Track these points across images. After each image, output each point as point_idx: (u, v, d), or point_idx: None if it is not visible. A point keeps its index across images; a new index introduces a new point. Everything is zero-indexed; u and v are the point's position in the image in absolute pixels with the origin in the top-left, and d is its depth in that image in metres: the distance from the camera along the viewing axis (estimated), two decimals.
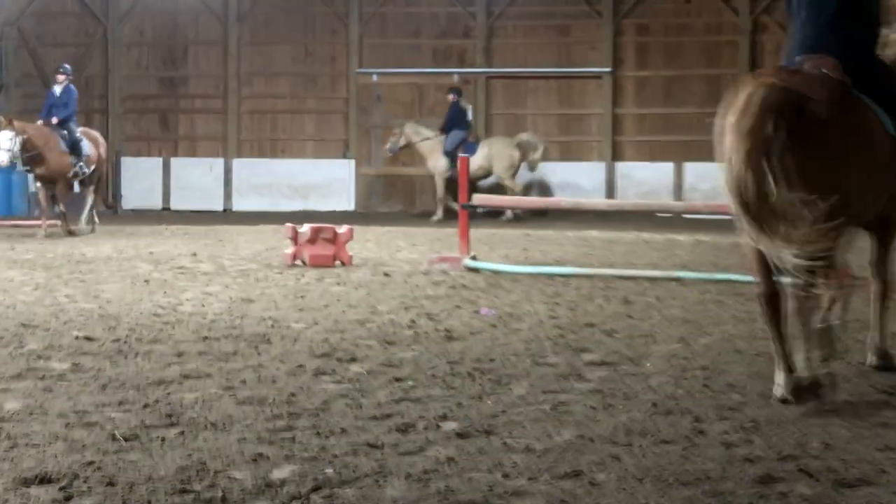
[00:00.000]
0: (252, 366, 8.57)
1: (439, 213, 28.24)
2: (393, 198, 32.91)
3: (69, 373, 8.27)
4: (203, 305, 11.88)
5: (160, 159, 33.58)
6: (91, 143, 23.08)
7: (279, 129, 33.80)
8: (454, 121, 28.95)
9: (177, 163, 33.45)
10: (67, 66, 23.77)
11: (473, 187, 29.46)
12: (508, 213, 27.86)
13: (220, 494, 5.48)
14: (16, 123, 21.77)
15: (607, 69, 31.96)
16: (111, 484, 5.60)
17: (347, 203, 32.59)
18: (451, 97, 29.28)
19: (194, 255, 17.63)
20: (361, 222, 23.74)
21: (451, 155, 28.04)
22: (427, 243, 20.18)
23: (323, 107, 33.65)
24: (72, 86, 22.97)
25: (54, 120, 22.27)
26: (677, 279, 14.13)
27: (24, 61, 34.57)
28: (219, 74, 33.93)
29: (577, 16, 32.42)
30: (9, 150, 21.47)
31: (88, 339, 9.69)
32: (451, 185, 27.03)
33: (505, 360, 8.86)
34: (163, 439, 6.42)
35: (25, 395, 7.52)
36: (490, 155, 28.63)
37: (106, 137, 33.45)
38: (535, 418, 6.97)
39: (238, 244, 19.85)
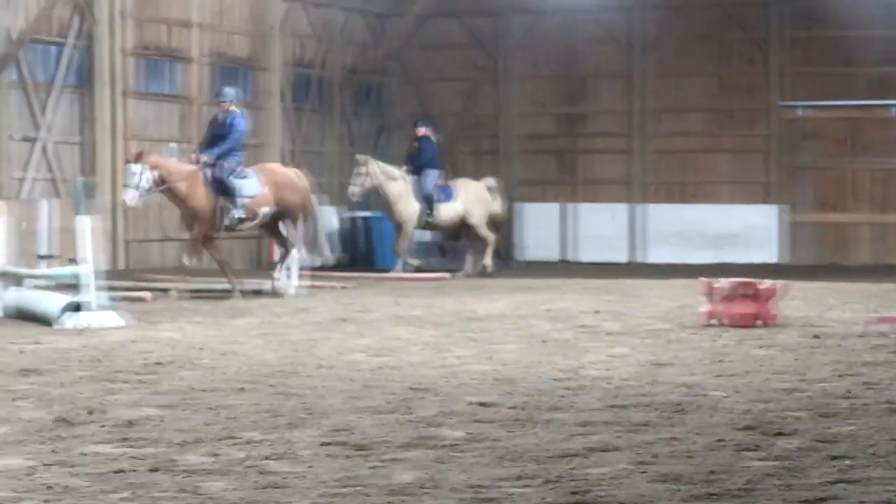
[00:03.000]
0: (665, 438, 8.55)
1: (399, 267, 26.87)
2: (823, 248, 32.30)
3: (463, 442, 8.43)
4: (608, 369, 11.94)
5: (557, 205, 33.85)
6: (266, 184, 21.86)
7: (690, 171, 33.70)
8: (428, 159, 27.18)
9: (576, 209, 33.71)
10: (231, 90, 22.95)
11: (453, 235, 28.73)
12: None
13: None
14: (150, 157, 21.23)
15: None
16: None
17: (769, 254, 32.18)
18: (422, 130, 27.57)
19: (597, 312, 17.75)
20: (786, 276, 23.37)
21: (429, 199, 26.69)
22: (862, 301, 19.75)
23: (740, 145, 33.42)
24: (239, 113, 22.01)
25: (206, 158, 21.34)
26: None
27: (407, 98, 35.54)
28: (622, 110, 34.07)
29: None
30: (136, 188, 20.85)
31: (483, 405, 9.88)
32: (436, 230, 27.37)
33: None
34: None
35: (416, 466, 7.71)
36: (467, 200, 27.44)
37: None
38: None
39: (646, 300, 19.88)
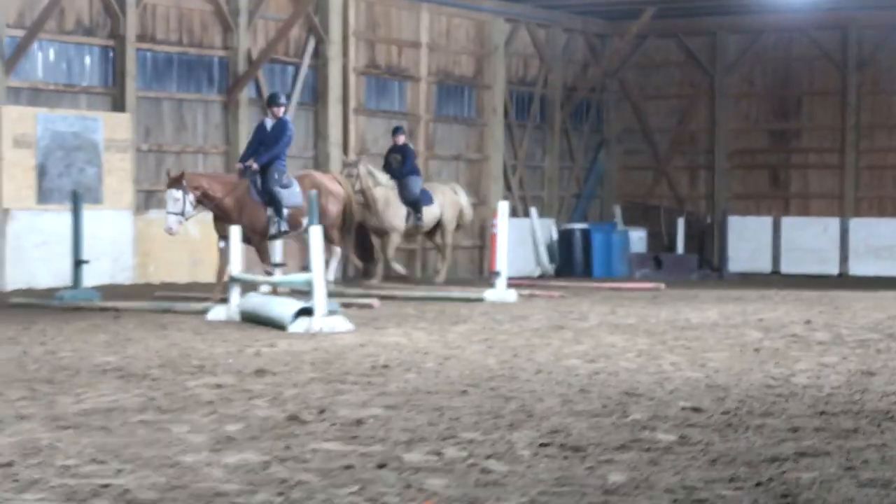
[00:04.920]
0: (875, 445, 8.39)
1: (381, 272, 25.70)
2: None
3: (676, 445, 8.39)
4: (819, 377, 11.77)
5: (770, 218, 33.48)
6: (305, 190, 20.64)
7: None
8: (411, 166, 25.95)
9: (788, 222, 33.29)
10: (284, 97, 22.45)
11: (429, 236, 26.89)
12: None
13: None
14: (186, 176, 19.96)
15: None
16: None
17: None
18: (401, 138, 26.31)
19: (808, 322, 17.51)
20: None
21: (415, 204, 25.43)
22: None
23: None
24: (287, 121, 21.21)
25: (254, 165, 20.37)
26: None
27: (625, 115, 35.52)
28: (835, 126, 33.57)
29: None
30: (177, 214, 19.61)
31: (695, 410, 9.81)
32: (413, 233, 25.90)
33: None
34: None
35: (630, 467, 7.68)
36: (444, 203, 26.32)
37: (711, 196, 33.97)
38: None
39: (856, 312, 19.53)
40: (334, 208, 21.59)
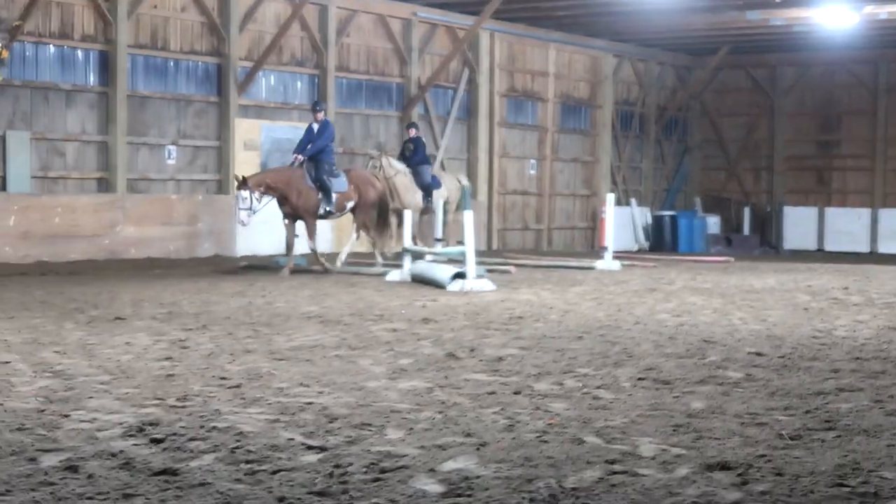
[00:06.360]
0: None
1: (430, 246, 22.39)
2: None
3: (743, 381, 8.25)
4: (854, 331, 11.50)
5: (815, 209, 33.03)
6: (352, 183, 20.10)
7: None
8: (423, 156, 23.35)
9: (830, 212, 32.91)
10: (323, 103, 21.55)
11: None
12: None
13: (872, 490, 5.25)
14: (251, 179, 18.99)
15: None
16: (779, 474, 5.51)
17: None
18: (412, 132, 23.76)
19: (846, 288, 17.13)
20: None
21: (428, 189, 22.92)
22: None
23: None
24: (328, 121, 20.17)
25: (299, 157, 19.51)
26: None
27: (704, 128, 35.19)
28: (868, 138, 32.91)
29: None
30: (247, 209, 18.75)
31: (758, 354, 9.64)
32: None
33: None
34: (822, 441, 6.25)
35: (707, 397, 7.58)
36: (449, 188, 23.66)
37: (770, 191, 33.46)
38: None
39: (883, 281, 19.06)
40: (374, 195, 20.48)
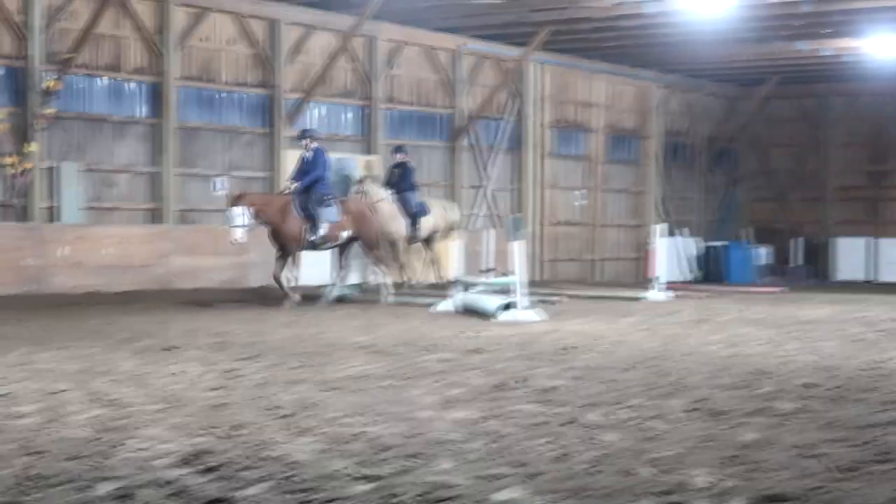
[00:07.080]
0: None
1: (404, 278, 22.28)
2: None
3: (796, 413, 8.17)
4: None
5: (864, 239, 32.85)
6: (348, 213, 19.58)
7: None
8: (410, 182, 22.38)
9: (882, 242, 32.58)
10: (311, 129, 20.55)
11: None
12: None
13: None
14: (246, 197, 18.83)
15: None
16: None
17: None
18: (399, 156, 22.61)
19: (894, 319, 16.95)
20: None
21: (415, 216, 22.15)
22: None
23: None
24: (320, 149, 19.49)
25: (292, 186, 19.12)
26: None
27: (753, 159, 35.05)
28: None
29: None
30: (242, 226, 18.41)
31: (811, 385, 9.55)
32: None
33: None
34: (877, 473, 6.18)
35: (758, 429, 7.51)
36: (436, 215, 22.81)
37: (821, 221, 33.26)
38: None
39: None
40: (375, 224, 20.14)
